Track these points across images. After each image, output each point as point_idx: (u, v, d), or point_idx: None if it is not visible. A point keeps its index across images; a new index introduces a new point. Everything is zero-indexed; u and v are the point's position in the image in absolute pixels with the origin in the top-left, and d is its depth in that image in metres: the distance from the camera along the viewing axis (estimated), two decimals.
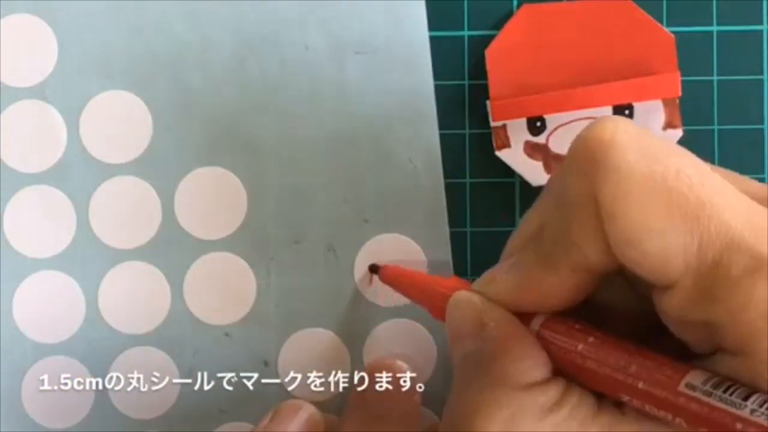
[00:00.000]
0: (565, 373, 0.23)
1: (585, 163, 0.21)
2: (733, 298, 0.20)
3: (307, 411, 0.32)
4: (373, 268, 0.33)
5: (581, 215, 0.22)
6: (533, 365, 0.23)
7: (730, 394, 0.20)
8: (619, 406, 0.22)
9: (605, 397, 0.23)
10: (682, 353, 0.22)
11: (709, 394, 0.20)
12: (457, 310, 0.25)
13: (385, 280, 0.32)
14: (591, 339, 0.23)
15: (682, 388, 0.21)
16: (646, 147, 0.21)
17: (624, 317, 0.24)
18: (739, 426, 0.19)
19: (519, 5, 0.33)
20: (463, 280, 0.26)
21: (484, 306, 0.24)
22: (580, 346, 0.23)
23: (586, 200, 0.21)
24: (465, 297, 0.25)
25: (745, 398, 0.20)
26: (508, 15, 0.33)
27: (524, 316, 0.24)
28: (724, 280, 0.20)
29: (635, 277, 0.22)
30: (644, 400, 0.21)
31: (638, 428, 0.22)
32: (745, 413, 0.19)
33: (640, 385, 0.21)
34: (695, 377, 0.21)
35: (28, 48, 0.33)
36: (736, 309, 0.20)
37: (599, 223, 0.21)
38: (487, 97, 0.33)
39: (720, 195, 0.21)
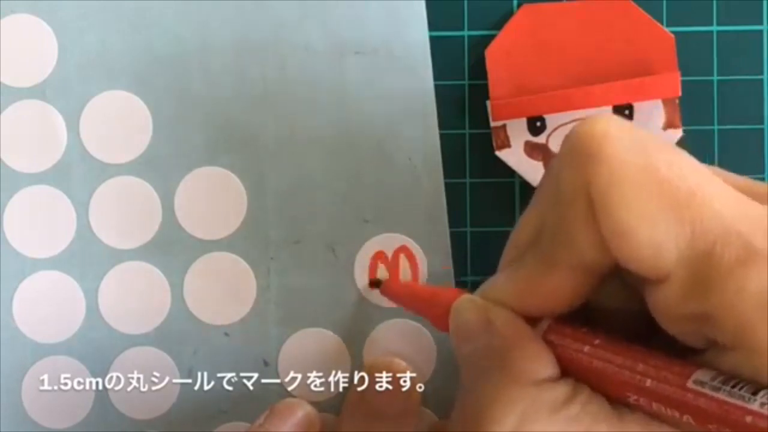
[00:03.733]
0: (572, 375, 0.23)
1: (578, 156, 0.22)
2: (726, 288, 0.20)
3: (303, 410, 0.32)
4: (374, 283, 0.33)
5: (575, 209, 0.22)
6: (542, 363, 0.23)
7: (739, 389, 0.20)
8: (627, 407, 0.22)
9: (613, 399, 0.23)
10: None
11: (718, 390, 0.20)
12: (463, 312, 0.25)
13: (386, 294, 0.32)
14: (597, 341, 0.23)
15: (690, 384, 0.21)
16: (638, 140, 0.21)
17: (616, 321, 0.24)
18: (749, 419, 0.19)
19: (519, 5, 0.33)
20: (465, 290, 0.27)
21: (489, 306, 0.24)
22: (587, 348, 0.23)
23: (580, 193, 0.21)
24: (470, 299, 0.25)
25: (754, 393, 0.20)
26: (508, 15, 0.33)
27: (529, 321, 0.24)
28: (716, 269, 0.20)
29: (629, 274, 0.22)
30: (652, 399, 0.21)
31: (646, 428, 0.22)
32: (754, 407, 0.19)
33: (648, 383, 0.21)
34: (703, 374, 0.21)
35: (28, 48, 0.33)
36: (730, 299, 0.20)
37: (593, 216, 0.21)
38: (487, 97, 0.33)
39: (711, 186, 0.21)
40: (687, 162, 0.21)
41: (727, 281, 0.20)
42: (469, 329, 0.25)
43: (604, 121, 0.22)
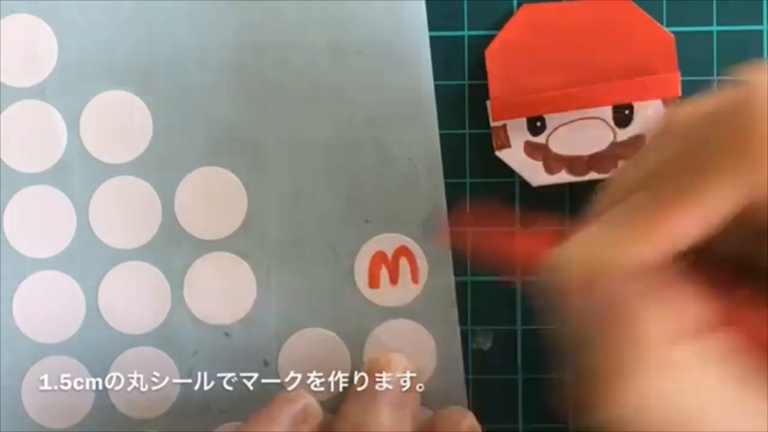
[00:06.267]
0: (696, 330, 0.22)
1: (735, 102, 0.21)
2: None
3: (305, 400, 0.31)
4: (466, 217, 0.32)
5: (718, 154, 0.21)
6: (666, 318, 0.22)
7: None
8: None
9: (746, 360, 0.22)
10: None
11: None
12: (570, 265, 0.23)
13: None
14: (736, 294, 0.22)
15: None
16: None
17: (731, 268, 0.23)
18: None
19: (519, 5, 0.33)
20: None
21: (602, 258, 0.23)
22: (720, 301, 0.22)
23: (728, 140, 0.21)
24: (577, 252, 0.23)
25: None
26: (508, 15, 0.33)
27: (643, 270, 0.22)
28: None
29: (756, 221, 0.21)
30: None
31: None
32: None
33: None
34: None
35: (28, 48, 0.33)
36: None
37: (738, 163, 0.20)
38: (487, 97, 0.33)
39: None
40: None
41: None
42: (577, 285, 0.23)
43: (765, 72, 0.21)
